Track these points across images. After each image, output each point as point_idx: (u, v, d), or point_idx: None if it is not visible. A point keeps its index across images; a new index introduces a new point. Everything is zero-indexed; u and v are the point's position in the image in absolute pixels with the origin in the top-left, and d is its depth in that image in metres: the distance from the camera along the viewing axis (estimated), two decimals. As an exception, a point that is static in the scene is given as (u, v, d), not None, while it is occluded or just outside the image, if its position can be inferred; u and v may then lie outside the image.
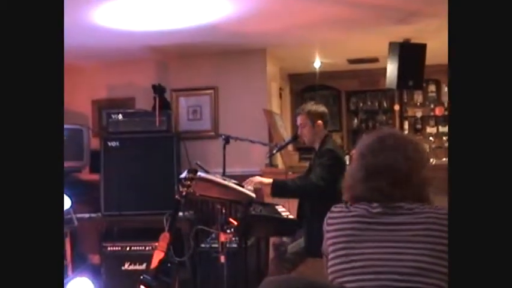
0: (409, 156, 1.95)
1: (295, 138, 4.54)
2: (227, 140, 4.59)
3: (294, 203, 4.94)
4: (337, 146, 4.28)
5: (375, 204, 1.93)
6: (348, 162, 6.92)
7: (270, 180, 3.93)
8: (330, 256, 1.95)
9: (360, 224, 1.91)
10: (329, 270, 1.94)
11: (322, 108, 4.16)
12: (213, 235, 4.95)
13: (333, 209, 2.03)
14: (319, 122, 4.07)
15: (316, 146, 4.11)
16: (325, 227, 2.01)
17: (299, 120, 4.15)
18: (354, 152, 2.10)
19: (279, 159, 6.43)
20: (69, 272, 5.28)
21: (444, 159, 6.84)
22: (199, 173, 3.59)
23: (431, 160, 2.00)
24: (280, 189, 3.87)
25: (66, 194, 5.21)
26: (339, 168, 3.86)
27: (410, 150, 1.97)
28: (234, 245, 4.53)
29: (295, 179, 4.20)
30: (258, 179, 4.00)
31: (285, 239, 4.17)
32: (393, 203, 1.92)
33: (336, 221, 1.98)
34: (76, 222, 5.33)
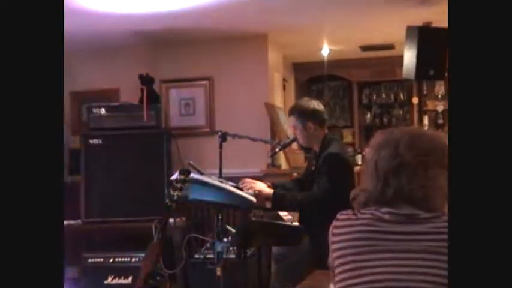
0: (399, 153, 1.94)
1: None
2: (224, 137, 4.59)
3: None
4: (342, 146, 4.25)
5: (384, 210, 1.92)
6: (360, 162, 6.96)
7: (270, 192, 3.93)
8: (337, 270, 1.93)
9: (369, 233, 1.89)
10: (336, 286, 1.94)
11: (313, 106, 4.06)
12: (208, 244, 4.96)
13: (338, 216, 2.00)
14: (310, 124, 4.02)
15: (316, 148, 4.09)
16: (331, 238, 1.99)
17: (289, 122, 4.14)
18: (366, 150, 2.10)
19: (282, 159, 6.43)
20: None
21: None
22: (192, 175, 3.59)
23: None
24: (279, 204, 3.90)
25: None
26: (344, 173, 3.86)
27: (403, 146, 1.94)
28: (232, 256, 4.53)
29: (295, 181, 4.21)
30: (257, 187, 3.99)
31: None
32: (402, 210, 1.91)
33: (342, 230, 1.96)
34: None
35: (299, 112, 4.05)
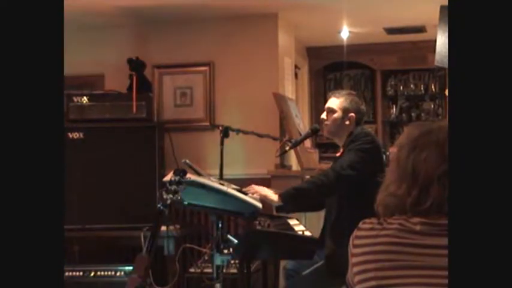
0: (447, 157, 1.93)
1: (315, 131, 4.55)
2: (226, 132, 4.60)
3: (312, 216, 4.97)
4: (373, 133, 4.35)
5: (416, 220, 1.91)
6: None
7: (276, 197, 3.92)
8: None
9: (396, 246, 1.89)
10: (356, 308, 1.94)
11: (361, 103, 4.26)
12: (206, 257, 4.98)
13: (361, 225, 2.00)
14: (352, 114, 4.10)
15: (339, 141, 4.14)
16: (351, 250, 1.99)
17: (330, 103, 4.16)
18: (392, 149, 2.09)
19: (293, 159, 6.44)
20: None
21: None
22: (188, 175, 3.60)
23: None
24: (291, 198, 3.89)
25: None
26: (376, 156, 3.88)
27: None
28: (234, 271, 4.55)
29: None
30: (263, 192, 3.99)
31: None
32: (438, 220, 1.90)
33: (364, 241, 1.96)
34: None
35: (351, 99, 4.17)
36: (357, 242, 1.97)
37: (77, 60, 6.60)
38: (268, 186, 4.35)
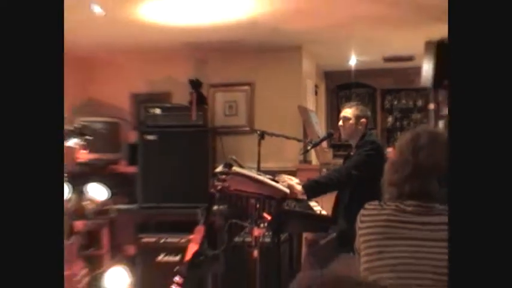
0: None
1: (330, 135, 4.56)
2: (262, 135, 4.58)
3: (327, 200, 4.92)
4: (378, 140, 4.32)
5: (409, 202, 1.92)
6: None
7: (300, 188, 3.89)
8: (363, 253, 1.95)
9: (393, 222, 1.91)
10: (362, 267, 1.94)
11: (367, 110, 4.27)
12: (247, 229, 4.95)
13: (366, 206, 2.03)
14: (363, 120, 4.11)
15: (354, 142, 4.11)
16: (358, 224, 2.02)
17: (346, 113, 4.14)
18: (390, 150, 2.09)
19: (312, 156, 6.40)
20: (106, 262, 5.36)
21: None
22: (234, 168, 3.59)
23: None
24: (312, 189, 3.87)
25: (106, 185, 5.32)
26: (379, 160, 3.84)
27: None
28: (267, 240, 4.51)
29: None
30: (291, 182, 3.96)
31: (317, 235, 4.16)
32: (427, 203, 1.89)
33: (368, 218, 1.98)
34: (115, 213, 5.45)
35: (361, 108, 4.18)
36: (363, 218, 2.01)
37: (152, 81, 6.66)
38: (294, 176, 4.32)
